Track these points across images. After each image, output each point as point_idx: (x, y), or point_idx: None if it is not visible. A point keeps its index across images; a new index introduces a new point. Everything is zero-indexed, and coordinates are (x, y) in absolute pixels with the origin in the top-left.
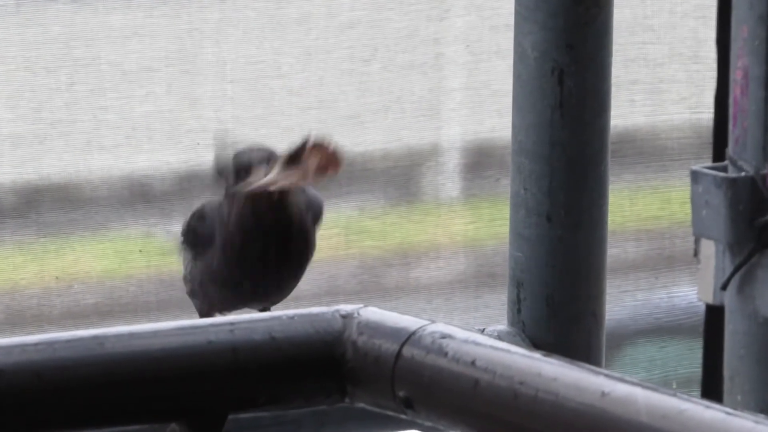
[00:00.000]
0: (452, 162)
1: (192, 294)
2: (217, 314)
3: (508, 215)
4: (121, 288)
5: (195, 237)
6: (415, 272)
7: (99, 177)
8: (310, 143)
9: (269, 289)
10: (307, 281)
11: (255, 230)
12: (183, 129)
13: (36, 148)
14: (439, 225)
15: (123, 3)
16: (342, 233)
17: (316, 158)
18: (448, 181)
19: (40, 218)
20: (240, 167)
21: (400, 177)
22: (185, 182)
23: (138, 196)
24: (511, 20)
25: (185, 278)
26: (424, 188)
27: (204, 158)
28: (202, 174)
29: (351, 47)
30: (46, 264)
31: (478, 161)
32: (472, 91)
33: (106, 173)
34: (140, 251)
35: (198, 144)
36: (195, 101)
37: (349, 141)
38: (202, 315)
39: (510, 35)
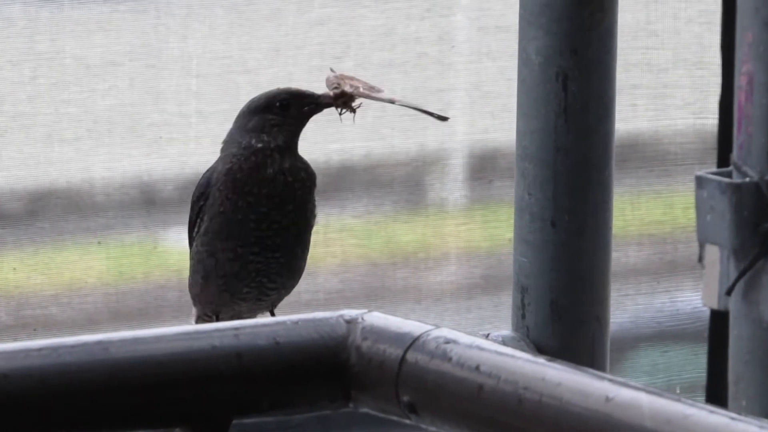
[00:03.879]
0: (445, 164)
1: (193, 298)
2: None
3: (501, 217)
4: (80, 280)
5: (202, 205)
6: (404, 273)
7: (58, 170)
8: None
9: (271, 258)
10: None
11: (249, 182)
12: (145, 123)
13: None
14: (428, 226)
15: None
16: (322, 230)
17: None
18: (438, 182)
19: None
20: (302, 96)
21: (384, 177)
22: (146, 176)
23: (98, 189)
24: (500, 22)
25: (191, 283)
26: (413, 190)
27: (165, 152)
28: (161, 168)
29: (322, 44)
30: (4, 256)
31: (470, 163)
32: (463, 92)
33: (65, 166)
34: (99, 243)
35: (160, 138)
36: (158, 95)
37: (323, 138)
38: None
39: (500, 37)
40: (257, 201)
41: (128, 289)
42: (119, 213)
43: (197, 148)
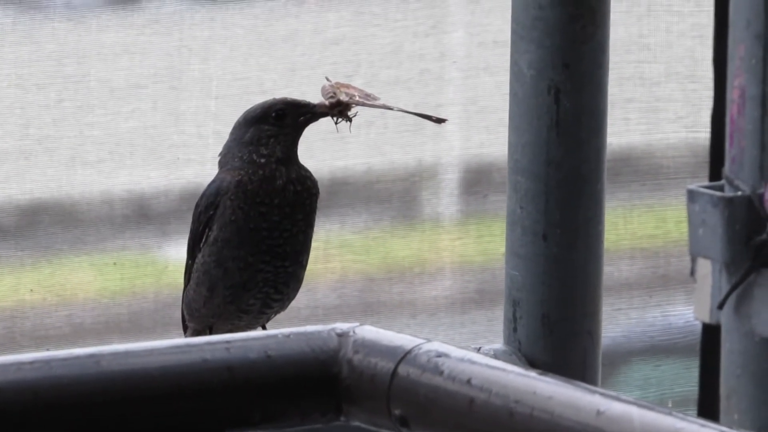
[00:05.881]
0: (440, 178)
1: (190, 313)
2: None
3: (495, 232)
4: (94, 300)
5: (211, 214)
6: (400, 288)
7: (80, 192)
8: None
9: (280, 267)
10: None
11: (260, 193)
12: (165, 144)
13: (21, 164)
14: (424, 240)
15: (117, 21)
16: (322, 246)
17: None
18: (434, 197)
19: (20, 233)
20: (298, 105)
21: (383, 192)
22: (163, 197)
23: (117, 210)
24: (499, 37)
25: (192, 297)
26: (409, 204)
27: (182, 173)
28: (177, 189)
29: (335, 63)
30: (22, 278)
31: (465, 177)
32: (459, 107)
33: (87, 188)
34: (114, 264)
35: (178, 159)
36: (178, 117)
37: (330, 156)
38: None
39: (498, 52)
40: (269, 210)
41: (139, 309)
42: (136, 234)
43: (213, 169)
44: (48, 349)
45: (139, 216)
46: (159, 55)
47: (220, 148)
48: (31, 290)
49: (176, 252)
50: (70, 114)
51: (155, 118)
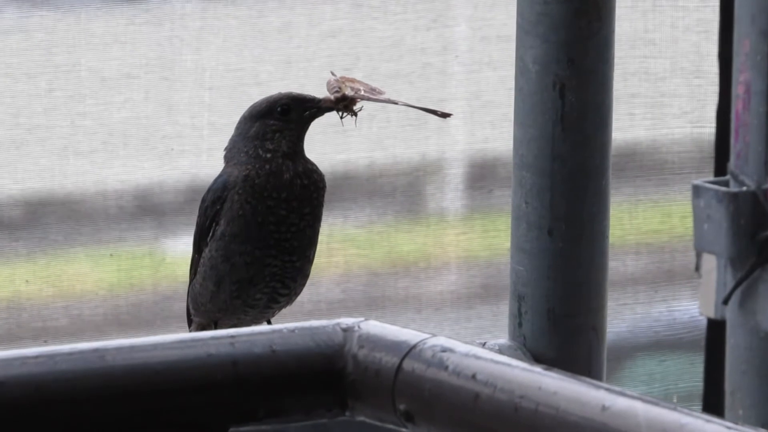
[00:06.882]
0: (445, 173)
1: (196, 307)
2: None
3: (500, 227)
4: (91, 292)
5: (218, 209)
6: (405, 283)
7: (74, 182)
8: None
9: (287, 262)
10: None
11: (267, 187)
12: (158, 135)
13: (12, 154)
14: (429, 235)
15: (106, 11)
16: (325, 240)
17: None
18: (438, 192)
19: (14, 223)
20: (303, 100)
21: (386, 186)
22: (157, 188)
23: (111, 201)
24: (502, 31)
25: (198, 292)
26: (414, 199)
27: (177, 164)
28: (173, 180)
29: (332, 56)
30: (17, 269)
31: (470, 172)
32: (463, 101)
33: (81, 178)
34: (111, 255)
35: (172, 150)
36: (171, 108)
37: (331, 149)
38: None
39: (501, 46)
40: (277, 204)
41: (137, 301)
42: (132, 225)
43: (209, 160)
44: (46, 341)
45: (134, 207)
46: (150, 45)
47: (215, 140)
48: (27, 281)
49: (174, 243)
50: (62, 104)
51: (148, 108)
